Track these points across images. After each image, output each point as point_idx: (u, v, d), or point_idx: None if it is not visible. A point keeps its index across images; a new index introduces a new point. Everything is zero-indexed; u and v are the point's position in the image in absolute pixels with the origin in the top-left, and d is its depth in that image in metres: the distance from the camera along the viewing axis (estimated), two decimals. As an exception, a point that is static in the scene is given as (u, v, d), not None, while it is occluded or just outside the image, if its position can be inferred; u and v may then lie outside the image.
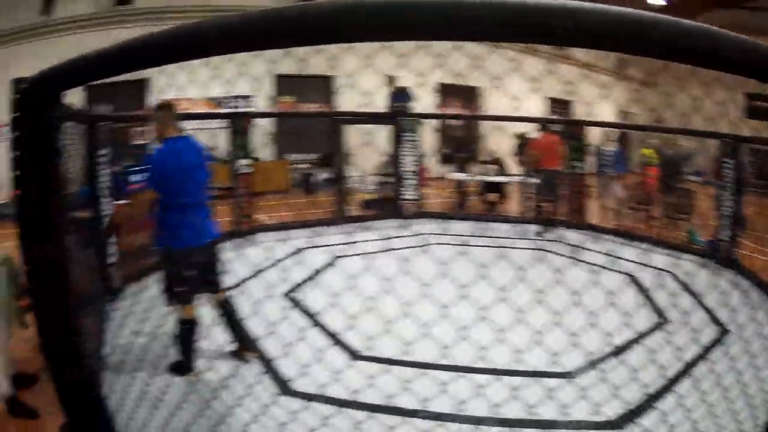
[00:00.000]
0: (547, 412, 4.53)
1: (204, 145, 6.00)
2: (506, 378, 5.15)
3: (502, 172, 15.16)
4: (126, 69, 2.06)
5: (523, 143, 15.18)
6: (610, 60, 24.43)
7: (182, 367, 5.79)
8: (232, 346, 6.16)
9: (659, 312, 7.63)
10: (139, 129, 18.20)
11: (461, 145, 17.16)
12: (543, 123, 14.03)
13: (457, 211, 15.00)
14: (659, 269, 9.39)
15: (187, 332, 5.71)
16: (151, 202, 5.68)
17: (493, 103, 21.69)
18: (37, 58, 4.99)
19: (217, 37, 1.77)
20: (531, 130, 14.75)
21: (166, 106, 5.96)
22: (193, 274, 5.50)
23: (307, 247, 9.64)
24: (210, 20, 1.75)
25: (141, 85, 18.20)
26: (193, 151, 5.83)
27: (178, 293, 5.61)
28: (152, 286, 8.09)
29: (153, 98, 18.10)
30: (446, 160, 18.39)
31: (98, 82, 2.21)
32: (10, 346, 5.59)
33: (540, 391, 4.22)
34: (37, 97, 2.37)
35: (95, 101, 16.01)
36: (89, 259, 7.13)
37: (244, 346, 6.14)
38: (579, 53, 22.60)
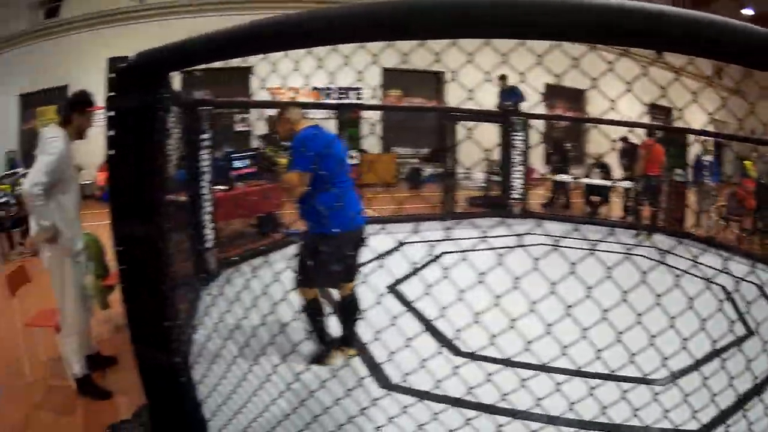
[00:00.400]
0: (623, 416, 4.45)
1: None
2: (592, 380, 5.08)
3: (606, 175, 14.92)
4: (234, 54, 2.04)
5: (629, 148, 14.90)
6: (699, 66, 23.89)
7: (322, 354, 5.95)
8: (337, 340, 6.12)
9: (744, 322, 7.45)
10: (241, 116, 18.42)
11: (566, 146, 16.88)
12: (650, 129, 13.74)
13: (561, 212, 14.92)
14: (752, 282, 9.10)
15: (317, 315, 5.86)
16: (300, 184, 5.60)
17: (595, 106, 21.41)
18: (129, 41, 5.05)
19: (323, 28, 1.76)
20: (631, 135, 14.48)
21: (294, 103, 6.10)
22: (340, 259, 5.51)
23: (411, 242, 9.58)
24: (316, 11, 1.74)
25: (243, 73, 18.44)
26: (333, 138, 5.98)
27: (319, 277, 5.67)
28: (247, 272, 8.19)
29: (255, 86, 18.34)
30: (551, 161, 18.15)
31: (203, 66, 2.21)
32: (91, 326, 5.71)
33: (617, 393, 4.13)
34: (141, 77, 2.36)
35: (190, 86, 16.33)
36: (185, 243, 7.23)
37: (348, 343, 6.10)
38: (671, 57, 22.12)
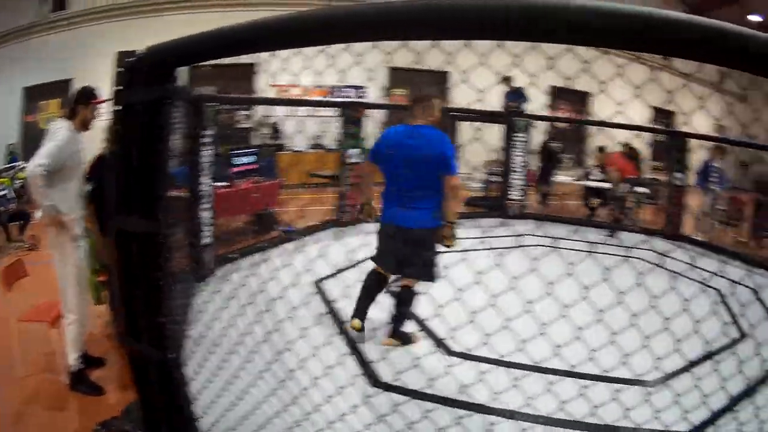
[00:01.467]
0: (614, 416, 4.45)
1: (447, 139, 6.02)
2: (580, 380, 5.09)
3: (606, 178, 14.96)
4: (242, 50, 2.06)
5: (631, 153, 15.00)
6: (707, 72, 23.96)
7: (405, 335, 6.34)
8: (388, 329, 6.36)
9: (738, 326, 7.43)
10: (246, 113, 18.44)
11: (553, 147, 16.90)
12: (650, 132, 13.90)
13: (559, 214, 14.93)
14: (747, 287, 9.08)
15: (371, 289, 6.28)
16: (371, 175, 6.30)
17: (600, 108, 21.45)
18: (137, 35, 5.06)
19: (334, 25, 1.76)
20: (635, 138, 14.58)
21: (426, 98, 6.25)
22: (395, 250, 5.96)
23: None
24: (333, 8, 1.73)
25: (248, 69, 18.45)
26: (425, 140, 5.89)
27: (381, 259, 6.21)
28: (244, 269, 8.16)
29: (262, 82, 18.36)
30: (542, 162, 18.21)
31: (210, 62, 2.19)
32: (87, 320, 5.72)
33: (609, 393, 4.11)
34: (149, 72, 2.34)
35: (196, 82, 16.28)
36: (183, 239, 7.21)
37: (391, 332, 6.32)
38: (679, 63, 22.23)
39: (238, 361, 4.68)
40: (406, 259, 5.94)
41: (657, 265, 7.63)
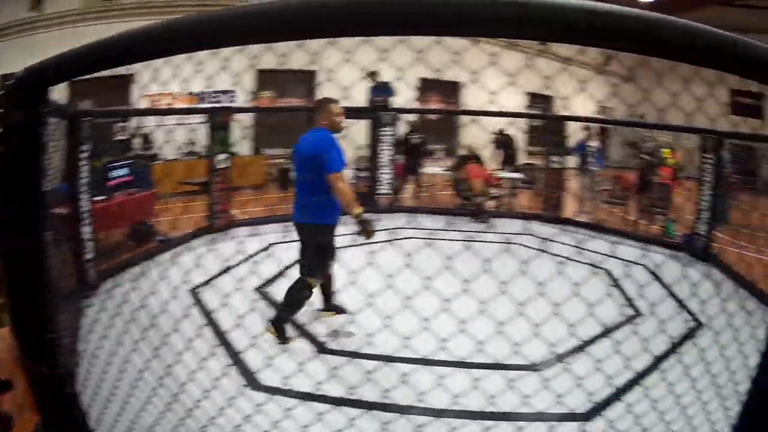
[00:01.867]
0: (512, 404, 4.57)
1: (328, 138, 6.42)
2: (470, 370, 5.20)
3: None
4: (113, 64, 2.06)
5: (505, 140, 15.32)
6: (590, 55, 24.56)
7: (283, 330, 6.59)
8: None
9: (631, 304, 7.79)
10: (122, 124, 18.15)
11: (414, 140, 17.03)
12: (519, 117, 14.22)
13: (431, 205, 15.26)
14: (633, 262, 9.43)
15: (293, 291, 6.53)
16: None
17: (472, 98, 21.74)
18: (26, 55, 4.97)
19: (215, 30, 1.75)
20: (508, 126, 14.86)
21: (322, 103, 6.73)
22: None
23: (278, 243, 9.54)
24: (210, 13, 1.74)
25: (125, 81, 18.18)
26: (310, 142, 6.53)
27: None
28: (125, 283, 8.09)
29: (136, 93, 18.14)
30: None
31: (84, 77, 2.21)
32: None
33: (504, 382, 4.24)
34: (24, 93, 2.36)
35: (78, 97, 16.03)
36: (66, 256, 7.11)
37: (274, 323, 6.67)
38: (560, 48, 22.64)
39: (128, 375, 4.67)
40: (300, 253, 6.54)
41: (539, 250, 7.87)
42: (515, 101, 21.35)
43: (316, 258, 6.48)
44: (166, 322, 4.99)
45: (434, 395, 4.42)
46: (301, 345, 6.44)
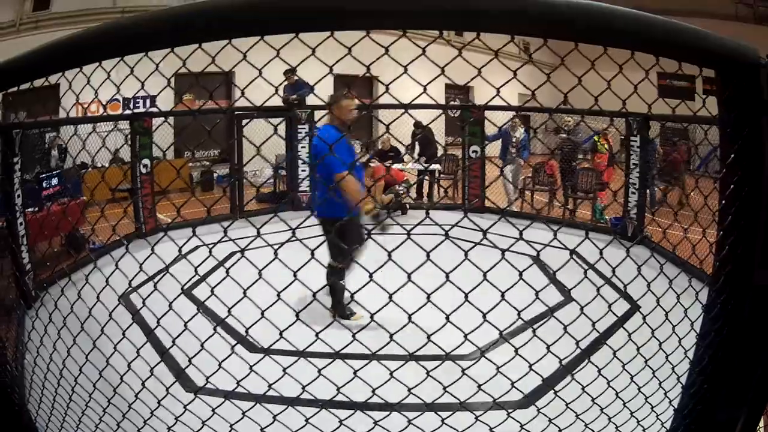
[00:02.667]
0: (453, 392, 4.70)
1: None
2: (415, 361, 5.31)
3: (397, 161, 15.39)
4: (41, 73, 2.07)
5: (423, 132, 15.45)
6: (513, 44, 24.83)
7: (343, 310, 7.31)
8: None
9: (562, 290, 7.93)
10: (53, 134, 17.99)
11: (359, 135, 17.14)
12: (442, 109, 14.28)
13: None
14: (563, 248, 9.61)
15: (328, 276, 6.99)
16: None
17: (392, 92, 21.85)
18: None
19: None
20: (427, 119, 15.02)
21: (333, 100, 6.94)
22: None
23: (203, 245, 9.51)
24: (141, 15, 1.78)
25: (52, 91, 18.02)
26: (319, 141, 6.96)
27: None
28: (66, 292, 8.07)
29: (64, 102, 18.01)
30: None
31: (12, 89, 2.22)
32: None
33: (445, 371, 4.36)
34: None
35: (11, 109, 16.12)
36: (5, 268, 7.13)
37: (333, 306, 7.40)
38: (483, 38, 22.78)
39: (67, 379, 4.72)
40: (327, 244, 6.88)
41: (459, 239, 8.01)
42: (434, 93, 21.37)
43: (337, 248, 6.83)
44: (98, 328, 5.04)
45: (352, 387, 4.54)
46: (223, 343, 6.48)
